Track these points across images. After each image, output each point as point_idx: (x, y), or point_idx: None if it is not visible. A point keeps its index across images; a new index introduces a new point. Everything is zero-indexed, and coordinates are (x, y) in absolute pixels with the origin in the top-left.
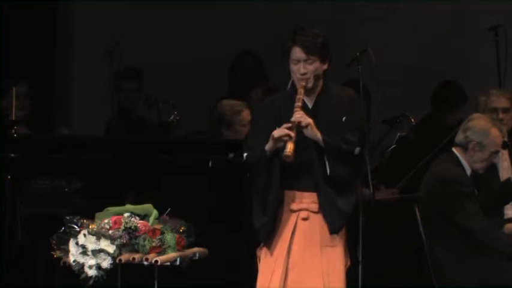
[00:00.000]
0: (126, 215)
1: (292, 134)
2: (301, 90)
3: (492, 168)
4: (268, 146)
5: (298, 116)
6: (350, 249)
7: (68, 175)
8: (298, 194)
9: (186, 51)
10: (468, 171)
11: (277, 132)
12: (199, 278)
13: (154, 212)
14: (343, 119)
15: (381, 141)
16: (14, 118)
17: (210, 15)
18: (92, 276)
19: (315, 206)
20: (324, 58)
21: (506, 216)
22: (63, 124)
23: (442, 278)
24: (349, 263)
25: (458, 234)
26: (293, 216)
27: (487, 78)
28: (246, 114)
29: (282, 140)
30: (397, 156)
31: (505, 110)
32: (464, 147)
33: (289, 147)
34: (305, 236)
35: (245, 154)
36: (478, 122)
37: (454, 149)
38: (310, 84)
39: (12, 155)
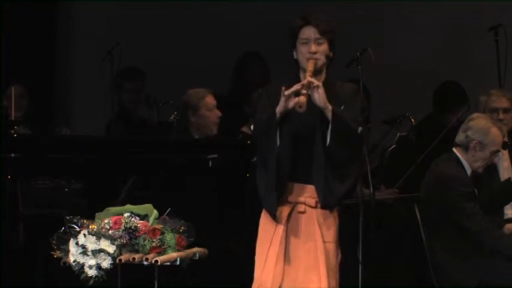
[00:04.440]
0: (126, 215)
1: (304, 90)
2: (311, 64)
3: (492, 168)
4: (279, 107)
5: (310, 78)
6: (350, 249)
7: (68, 175)
8: (296, 186)
9: (186, 51)
10: (468, 171)
11: (288, 90)
12: (199, 278)
13: (154, 212)
14: (342, 107)
15: (381, 141)
16: (13, 118)
17: (210, 15)
18: (92, 276)
19: (312, 201)
20: (332, 44)
21: (506, 216)
22: (63, 124)
23: (442, 278)
24: (340, 257)
25: (458, 234)
26: (288, 208)
27: (487, 78)
28: (210, 100)
29: (293, 96)
30: (397, 156)
31: (506, 110)
32: (465, 147)
33: (302, 98)
34: (300, 230)
35: (252, 125)
36: (479, 121)
37: (454, 149)
38: (319, 65)
39: (12, 155)
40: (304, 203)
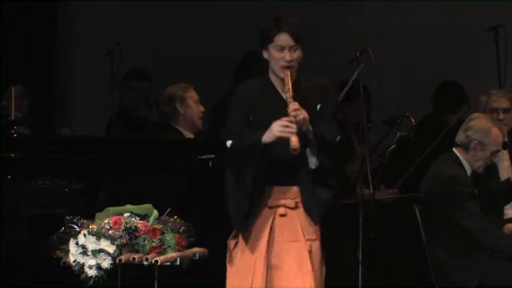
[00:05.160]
0: (126, 215)
1: (294, 128)
2: (288, 80)
3: (492, 168)
4: (267, 139)
5: (295, 110)
6: (350, 249)
7: (68, 175)
8: (275, 189)
9: (186, 51)
10: (468, 171)
11: (279, 131)
12: (199, 278)
13: (155, 212)
14: (318, 107)
15: (381, 141)
16: (13, 118)
17: (210, 14)
18: (92, 276)
19: (291, 202)
20: (304, 47)
21: (506, 216)
22: (63, 124)
23: (442, 278)
24: (324, 256)
25: (459, 234)
26: (270, 213)
27: (487, 78)
28: (193, 93)
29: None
30: (397, 156)
31: (506, 111)
32: (465, 147)
33: (294, 140)
34: (284, 232)
35: (229, 142)
36: (479, 121)
37: (454, 149)
38: (294, 72)
39: (12, 155)
40: (285, 206)
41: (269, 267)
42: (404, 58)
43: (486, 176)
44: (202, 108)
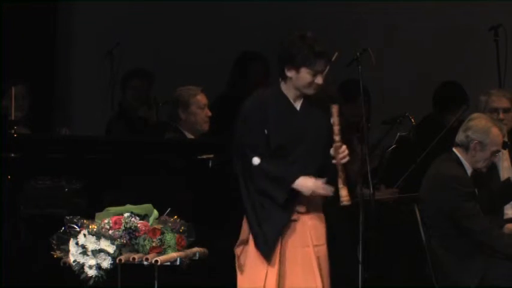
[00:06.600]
0: (126, 215)
1: (342, 178)
2: (337, 119)
3: (492, 168)
4: (298, 188)
5: (343, 156)
6: (350, 249)
7: (68, 175)
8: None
9: (186, 51)
10: (469, 171)
11: (321, 189)
12: (199, 278)
13: (155, 212)
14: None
15: (381, 141)
16: (13, 118)
17: (210, 14)
18: (92, 276)
19: (302, 208)
20: None
21: (506, 216)
22: (63, 124)
23: (442, 278)
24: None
25: (459, 234)
26: None
27: (487, 78)
28: (201, 98)
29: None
30: (397, 156)
31: (506, 110)
32: (465, 147)
33: (344, 194)
34: (295, 237)
35: (256, 159)
36: (479, 121)
37: (454, 149)
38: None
39: (12, 155)
40: (296, 211)
41: (282, 271)
42: (404, 58)
43: (486, 176)
44: (209, 113)
